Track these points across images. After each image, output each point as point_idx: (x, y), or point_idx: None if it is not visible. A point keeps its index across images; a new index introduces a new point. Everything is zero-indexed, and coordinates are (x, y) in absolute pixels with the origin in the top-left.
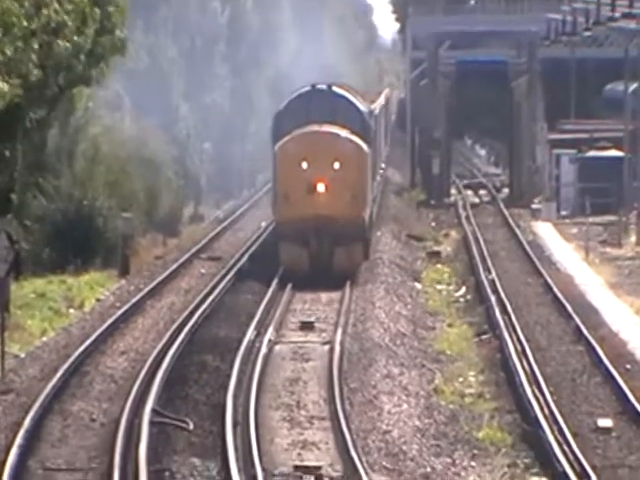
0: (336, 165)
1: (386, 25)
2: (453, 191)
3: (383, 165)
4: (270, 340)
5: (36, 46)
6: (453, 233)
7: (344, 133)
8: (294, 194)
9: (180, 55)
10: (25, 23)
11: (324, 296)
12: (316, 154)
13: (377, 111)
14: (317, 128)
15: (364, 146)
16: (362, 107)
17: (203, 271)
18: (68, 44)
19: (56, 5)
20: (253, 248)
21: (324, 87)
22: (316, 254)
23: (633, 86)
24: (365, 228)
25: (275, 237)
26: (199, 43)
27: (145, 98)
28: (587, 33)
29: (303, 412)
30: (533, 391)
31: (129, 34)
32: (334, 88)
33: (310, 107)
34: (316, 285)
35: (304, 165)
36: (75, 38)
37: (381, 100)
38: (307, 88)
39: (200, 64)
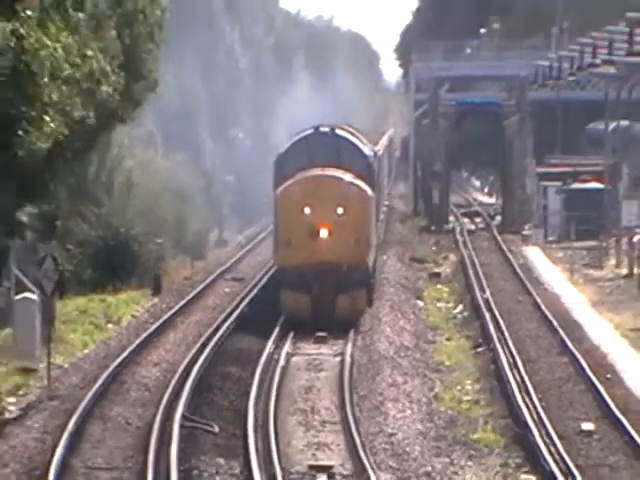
0: (340, 210)
1: (390, 70)
2: (451, 218)
3: (386, 202)
4: (288, 352)
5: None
6: (451, 256)
7: (348, 177)
8: (296, 240)
9: (208, 96)
10: (69, 72)
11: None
12: (319, 199)
13: (381, 152)
14: (320, 172)
15: (368, 190)
16: (366, 150)
17: (227, 290)
18: (109, 88)
19: (98, 55)
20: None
21: (327, 129)
22: (319, 301)
23: (612, 125)
24: (369, 273)
25: (276, 283)
26: (223, 86)
27: (175, 135)
28: (571, 77)
29: (317, 417)
30: (523, 398)
31: (161, 76)
32: (337, 130)
33: (313, 150)
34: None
35: (307, 210)
36: (112, 78)
37: (384, 140)
38: (310, 130)
39: (224, 105)
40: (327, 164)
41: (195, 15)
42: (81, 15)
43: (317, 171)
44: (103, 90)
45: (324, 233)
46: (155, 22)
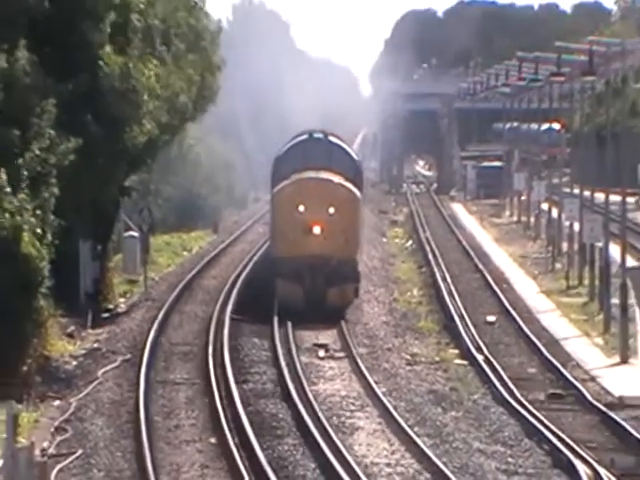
0: (331, 210)
1: (365, 87)
2: (404, 185)
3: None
4: None
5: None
6: (404, 209)
7: (339, 180)
8: (291, 234)
9: (248, 105)
10: (159, 91)
11: None
12: (313, 199)
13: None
14: (314, 174)
15: (357, 192)
16: (355, 155)
17: (261, 230)
18: (185, 101)
19: (178, 81)
20: None
21: (320, 135)
22: (310, 291)
23: (508, 125)
24: (357, 268)
25: (272, 273)
26: (257, 98)
27: (226, 130)
28: (482, 94)
29: None
30: (450, 300)
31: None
32: (329, 137)
33: (307, 154)
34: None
35: (301, 208)
36: (186, 95)
37: (358, 139)
38: (305, 136)
39: (258, 110)
40: (320, 167)
41: (236, 51)
42: (166, 54)
43: (311, 173)
44: (181, 103)
45: (317, 230)
46: (215, 63)
